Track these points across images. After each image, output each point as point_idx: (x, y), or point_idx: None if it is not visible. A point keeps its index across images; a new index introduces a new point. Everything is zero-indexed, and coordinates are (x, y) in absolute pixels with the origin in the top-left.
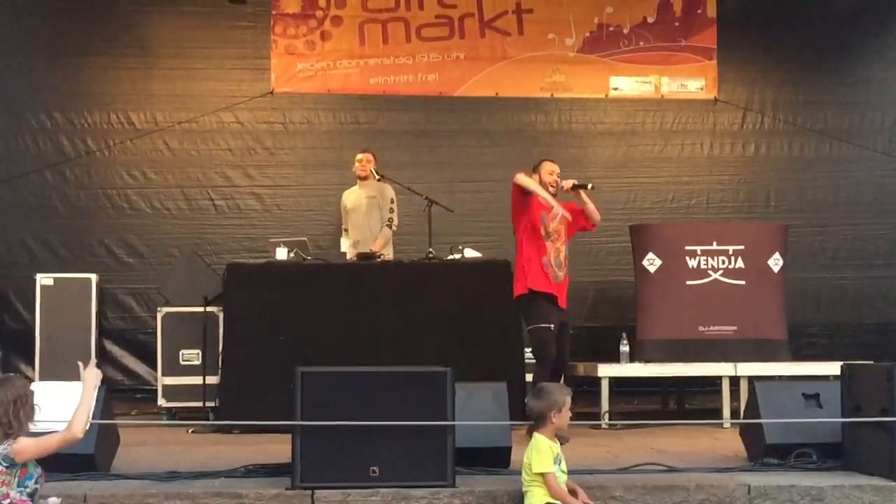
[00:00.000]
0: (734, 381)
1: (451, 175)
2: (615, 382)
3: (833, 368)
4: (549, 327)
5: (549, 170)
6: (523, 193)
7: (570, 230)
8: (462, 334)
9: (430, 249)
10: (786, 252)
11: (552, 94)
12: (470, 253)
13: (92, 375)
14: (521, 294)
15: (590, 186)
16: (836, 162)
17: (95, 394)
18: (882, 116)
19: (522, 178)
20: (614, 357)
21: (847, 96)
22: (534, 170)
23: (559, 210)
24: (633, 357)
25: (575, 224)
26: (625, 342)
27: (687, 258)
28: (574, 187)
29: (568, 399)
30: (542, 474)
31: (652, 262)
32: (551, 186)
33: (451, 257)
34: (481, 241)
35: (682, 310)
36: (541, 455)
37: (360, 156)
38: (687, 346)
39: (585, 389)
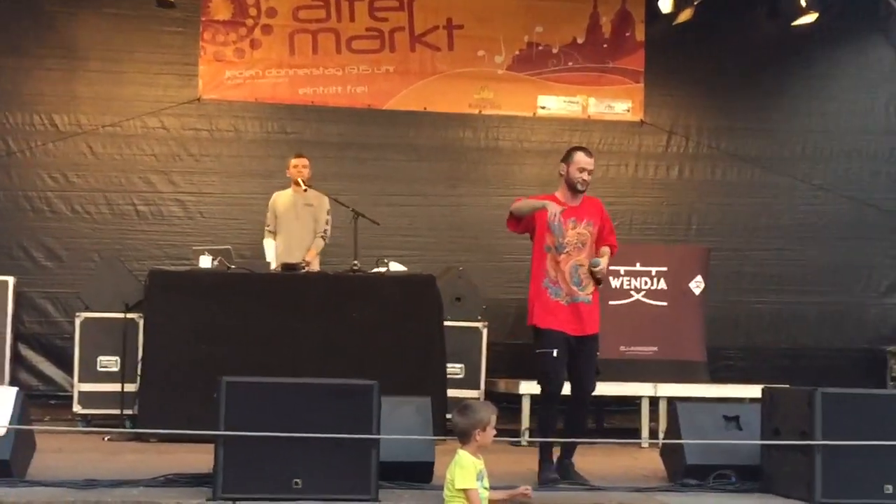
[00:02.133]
0: (653, 401)
1: (378, 188)
2: (536, 399)
3: (751, 391)
4: (551, 353)
5: (582, 164)
6: (518, 221)
7: (598, 243)
8: (385, 348)
9: (355, 262)
10: (707, 275)
11: (480, 111)
12: (395, 266)
13: None
14: (533, 327)
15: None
16: (757, 188)
17: None
18: (802, 145)
19: (515, 207)
20: (534, 373)
21: (769, 124)
22: (564, 159)
23: (580, 222)
24: None
25: (600, 241)
26: None
27: (610, 278)
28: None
29: (493, 417)
30: (464, 490)
31: None
32: (579, 184)
33: (375, 270)
34: (406, 256)
35: (604, 329)
36: (464, 471)
37: (295, 160)
38: (608, 366)
39: (506, 406)
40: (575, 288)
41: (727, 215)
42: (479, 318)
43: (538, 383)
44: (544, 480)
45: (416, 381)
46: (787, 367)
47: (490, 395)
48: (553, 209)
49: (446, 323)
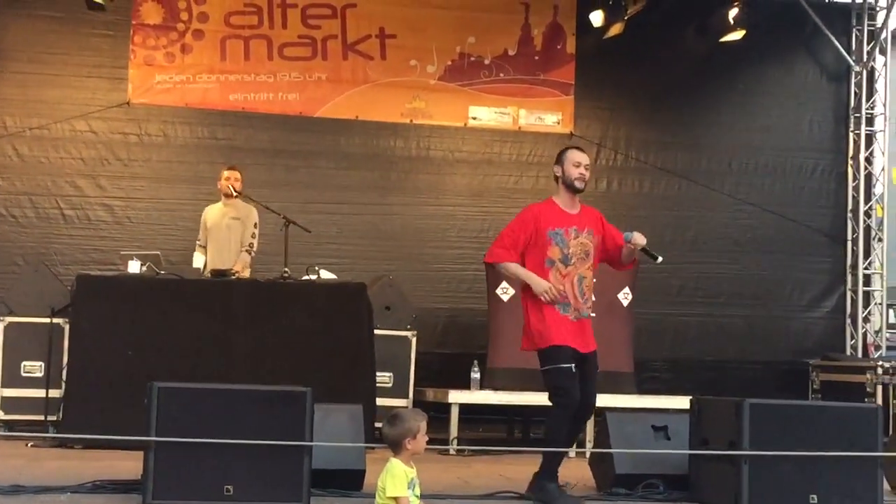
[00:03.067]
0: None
1: (308, 196)
2: (464, 409)
3: (677, 402)
4: (570, 368)
5: (576, 160)
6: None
7: (602, 256)
8: (315, 355)
9: (286, 269)
10: (635, 287)
11: (412, 120)
12: (325, 274)
13: None
14: (540, 349)
15: (659, 260)
16: (684, 201)
17: None
18: (729, 160)
19: (502, 269)
20: (464, 383)
21: (697, 138)
22: (556, 161)
23: (545, 291)
24: (483, 384)
25: (608, 252)
26: (476, 369)
27: None
28: (643, 250)
29: (423, 425)
30: (395, 498)
31: (505, 291)
32: (577, 181)
33: (306, 278)
34: (335, 264)
35: None
36: (395, 480)
37: (227, 172)
38: (536, 376)
39: (434, 415)
40: (581, 301)
41: (655, 228)
42: (409, 326)
43: (552, 399)
44: (562, 498)
45: (345, 389)
46: (712, 379)
47: (418, 404)
48: (544, 287)
49: (376, 331)
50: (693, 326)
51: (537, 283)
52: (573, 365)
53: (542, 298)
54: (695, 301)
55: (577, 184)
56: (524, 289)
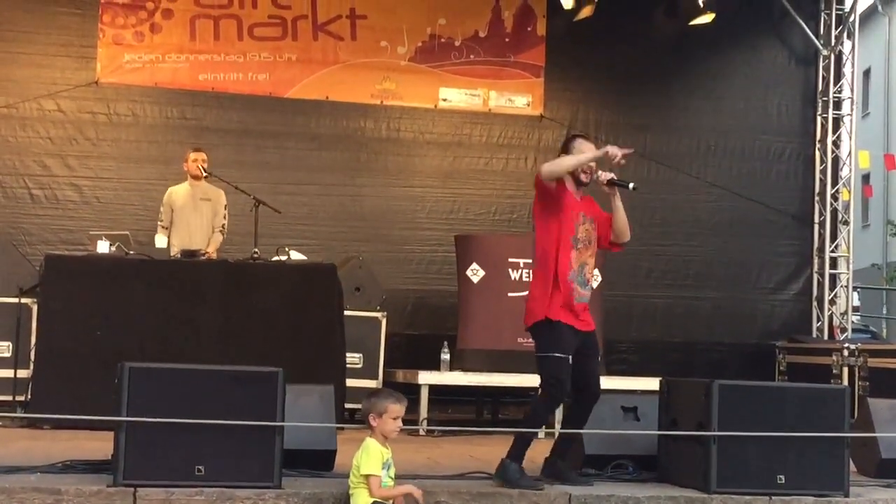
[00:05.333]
0: None
1: (277, 177)
2: (434, 390)
3: (646, 383)
4: (567, 359)
5: (584, 150)
6: (552, 192)
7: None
8: (284, 336)
9: (256, 250)
10: (603, 269)
11: (382, 102)
12: (295, 255)
13: None
14: (538, 321)
15: (631, 186)
16: (653, 184)
17: None
18: (697, 142)
19: (549, 166)
20: (433, 365)
21: (666, 121)
22: (563, 149)
23: (588, 217)
24: (453, 365)
25: (604, 236)
26: (445, 350)
27: (510, 270)
28: (611, 183)
29: (392, 407)
30: (366, 476)
31: (475, 273)
32: (584, 174)
33: (276, 259)
34: (305, 245)
35: (503, 321)
36: (370, 458)
37: (194, 154)
38: (506, 357)
39: (405, 397)
40: (580, 288)
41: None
42: (379, 308)
43: (544, 386)
44: (524, 479)
45: (315, 370)
46: (679, 360)
47: (388, 386)
48: (611, 149)
49: (346, 312)
50: (661, 308)
51: (598, 153)
52: (570, 356)
53: (613, 156)
54: (663, 283)
55: (583, 177)
56: (539, 260)
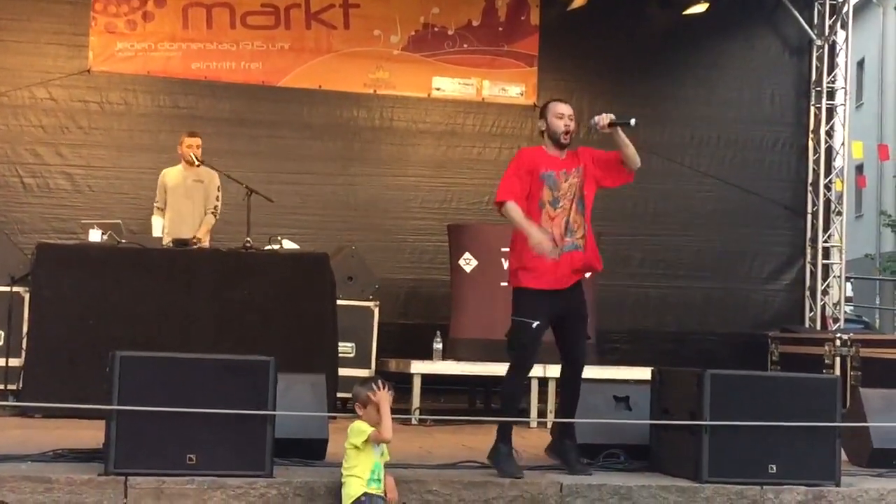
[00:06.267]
0: (543, 381)
1: (270, 166)
2: (426, 379)
3: (638, 373)
4: (531, 324)
5: (559, 111)
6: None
7: (591, 181)
8: (277, 325)
9: (248, 239)
10: None
11: (375, 91)
12: (288, 244)
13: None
14: (514, 288)
15: (633, 122)
16: (645, 174)
17: None
18: (690, 133)
19: (506, 211)
20: (426, 354)
21: (659, 111)
22: (540, 115)
23: (539, 243)
24: (445, 355)
25: (607, 173)
26: (438, 340)
27: (502, 260)
28: (612, 124)
29: (374, 396)
30: (366, 440)
31: (468, 262)
32: (564, 136)
33: (268, 248)
34: (298, 234)
35: (496, 310)
36: (360, 432)
37: (188, 140)
38: (498, 346)
39: (397, 386)
40: (567, 237)
41: (616, 200)
42: (371, 297)
43: (509, 352)
44: (505, 463)
45: (307, 359)
46: (672, 350)
47: (381, 375)
48: (538, 240)
49: (338, 302)
50: (654, 298)
51: (532, 234)
52: (535, 322)
53: (535, 251)
54: (655, 273)
55: (563, 138)
56: (514, 234)
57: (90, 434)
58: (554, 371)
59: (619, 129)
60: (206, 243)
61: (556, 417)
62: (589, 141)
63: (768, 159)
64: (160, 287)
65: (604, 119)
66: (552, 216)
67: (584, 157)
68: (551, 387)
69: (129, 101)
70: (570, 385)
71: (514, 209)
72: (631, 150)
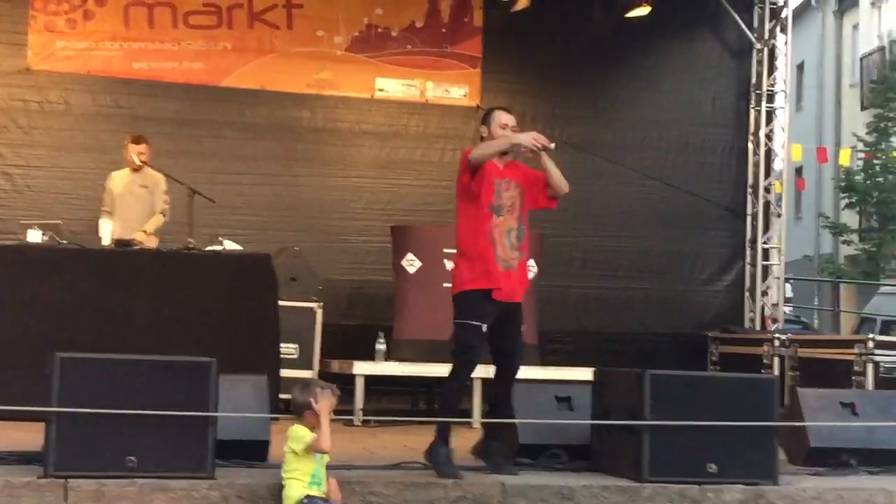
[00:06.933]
0: (486, 382)
1: (213, 167)
2: (370, 380)
3: (580, 373)
4: (480, 327)
5: (504, 121)
6: (475, 169)
7: (527, 202)
8: (219, 326)
9: (190, 240)
10: (540, 259)
11: (318, 91)
12: (230, 245)
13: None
14: (458, 293)
15: (552, 146)
16: (588, 176)
17: None
18: (633, 134)
19: (478, 152)
20: (369, 355)
21: (602, 113)
22: (483, 121)
23: (511, 182)
24: (388, 356)
25: (531, 196)
26: (381, 341)
27: (445, 261)
28: (532, 150)
29: (315, 404)
30: (305, 448)
31: (411, 263)
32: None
33: (210, 248)
34: (240, 235)
35: (439, 311)
36: (299, 438)
37: (134, 147)
38: (441, 347)
39: (340, 387)
40: (511, 252)
41: (560, 202)
42: (314, 298)
43: (455, 354)
44: (444, 464)
45: (249, 361)
46: (614, 350)
47: (324, 376)
48: (528, 139)
49: (281, 303)
50: (595, 299)
51: (518, 138)
52: (484, 325)
53: (534, 146)
54: (597, 274)
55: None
56: (460, 234)
57: (30, 437)
58: None
59: (543, 153)
60: (153, 241)
61: (485, 417)
62: None
63: (709, 161)
64: (101, 288)
65: (523, 140)
66: (495, 223)
67: (521, 173)
68: None
69: (69, 101)
70: (506, 386)
71: (485, 145)
72: (556, 175)
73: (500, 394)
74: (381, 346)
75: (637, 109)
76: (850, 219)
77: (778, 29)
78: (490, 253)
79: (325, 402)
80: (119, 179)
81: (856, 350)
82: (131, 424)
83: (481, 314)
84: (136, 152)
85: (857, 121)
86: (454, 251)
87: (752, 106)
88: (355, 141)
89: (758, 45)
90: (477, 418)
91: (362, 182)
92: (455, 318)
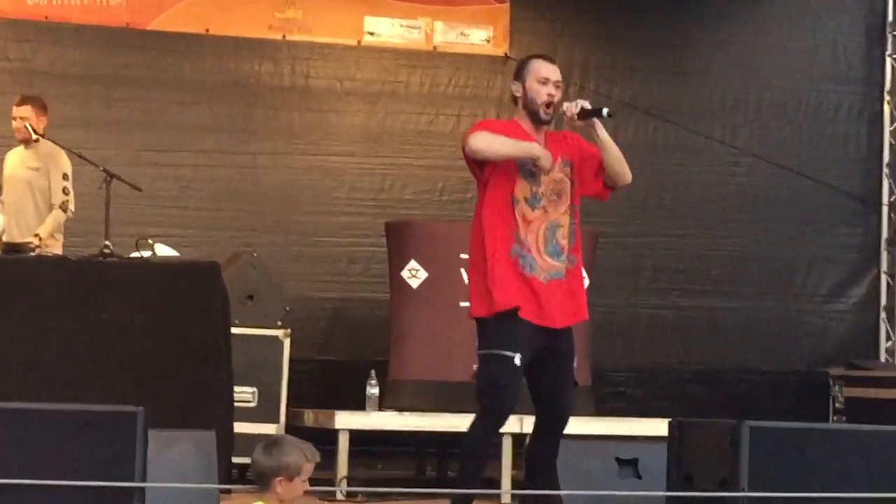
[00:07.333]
0: (519, 439)
1: (139, 140)
2: (357, 437)
3: (651, 427)
4: (512, 358)
5: (544, 75)
6: (482, 164)
7: (578, 190)
8: (148, 362)
9: (107, 243)
10: (592, 268)
11: (284, 36)
12: (163, 250)
13: None
14: (482, 316)
15: (605, 112)
16: (661, 151)
17: None
18: (722, 93)
19: (482, 143)
20: (357, 402)
21: (679, 64)
22: (516, 76)
23: (557, 160)
24: (383, 403)
25: (583, 181)
26: (373, 382)
27: (462, 270)
28: (581, 114)
29: (307, 467)
30: None
31: (415, 274)
32: (545, 109)
33: (135, 255)
34: (178, 236)
35: (453, 341)
36: None
37: (16, 109)
38: (456, 392)
39: (318, 447)
40: (550, 259)
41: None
42: (280, 323)
43: (478, 398)
44: None
45: (190, 409)
46: (697, 395)
47: (294, 431)
48: (545, 160)
49: (234, 330)
50: (671, 323)
51: (529, 148)
52: (519, 355)
53: (541, 166)
54: (674, 289)
55: (544, 111)
56: (474, 241)
57: None
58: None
59: (595, 121)
60: (58, 249)
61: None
62: None
63: (829, 131)
64: None
65: (571, 108)
66: (529, 219)
67: (573, 148)
68: None
69: None
70: (549, 447)
71: (494, 137)
72: (614, 154)
73: (540, 455)
74: (372, 389)
75: (729, 59)
76: None
77: None
78: (515, 265)
79: (297, 467)
80: (12, 161)
81: None
82: (32, 496)
83: (514, 342)
84: (18, 116)
85: None
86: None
87: (887, 53)
88: (335, 104)
89: None
90: (507, 488)
91: (346, 162)
92: (479, 347)
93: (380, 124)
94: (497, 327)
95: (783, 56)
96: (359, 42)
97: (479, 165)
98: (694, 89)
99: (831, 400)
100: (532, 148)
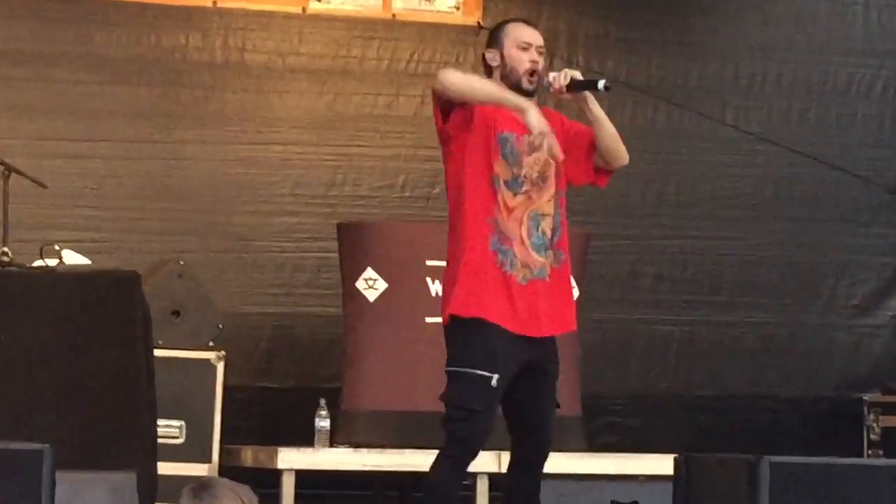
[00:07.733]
0: (495, 479)
1: (39, 128)
2: (305, 479)
3: (653, 463)
4: (488, 378)
5: (524, 40)
6: (456, 106)
7: (568, 174)
8: (55, 390)
9: (5, 249)
10: (583, 276)
11: (215, 3)
12: (73, 258)
13: None
14: (451, 320)
15: (602, 85)
16: (662, 136)
17: None
18: (735, 69)
19: (455, 76)
20: (304, 437)
21: (683, 35)
22: (490, 43)
23: (544, 131)
24: (335, 438)
25: (573, 164)
26: (323, 414)
27: (428, 279)
28: (572, 86)
29: None
30: None
31: (371, 285)
32: (529, 77)
33: (39, 264)
34: (90, 240)
35: (418, 364)
36: None
37: None
38: (421, 424)
39: (257, 490)
40: (535, 254)
41: (617, 178)
42: (212, 344)
43: (447, 425)
44: None
45: (107, 448)
46: (706, 426)
47: (228, 471)
48: (538, 123)
49: (157, 352)
50: (676, 340)
51: (518, 100)
52: (495, 376)
53: (535, 139)
54: (680, 300)
55: (526, 80)
56: (450, 232)
57: None
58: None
59: (587, 95)
60: None
61: None
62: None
63: (861, 112)
64: None
65: (559, 80)
66: (510, 206)
67: (556, 126)
68: None
69: None
70: (527, 479)
71: (472, 75)
72: (609, 133)
73: (520, 495)
74: (322, 422)
75: (741, 29)
76: None
77: None
78: (491, 261)
79: None
80: None
81: None
82: None
83: (492, 358)
84: None
85: None
86: (441, 263)
87: None
88: (276, 84)
89: None
90: None
91: (289, 152)
92: (447, 364)
93: (329, 107)
94: (470, 339)
95: (802, 24)
96: (304, 9)
97: (447, 117)
98: (701, 65)
99: (865, 430)
100: (521, 101)
